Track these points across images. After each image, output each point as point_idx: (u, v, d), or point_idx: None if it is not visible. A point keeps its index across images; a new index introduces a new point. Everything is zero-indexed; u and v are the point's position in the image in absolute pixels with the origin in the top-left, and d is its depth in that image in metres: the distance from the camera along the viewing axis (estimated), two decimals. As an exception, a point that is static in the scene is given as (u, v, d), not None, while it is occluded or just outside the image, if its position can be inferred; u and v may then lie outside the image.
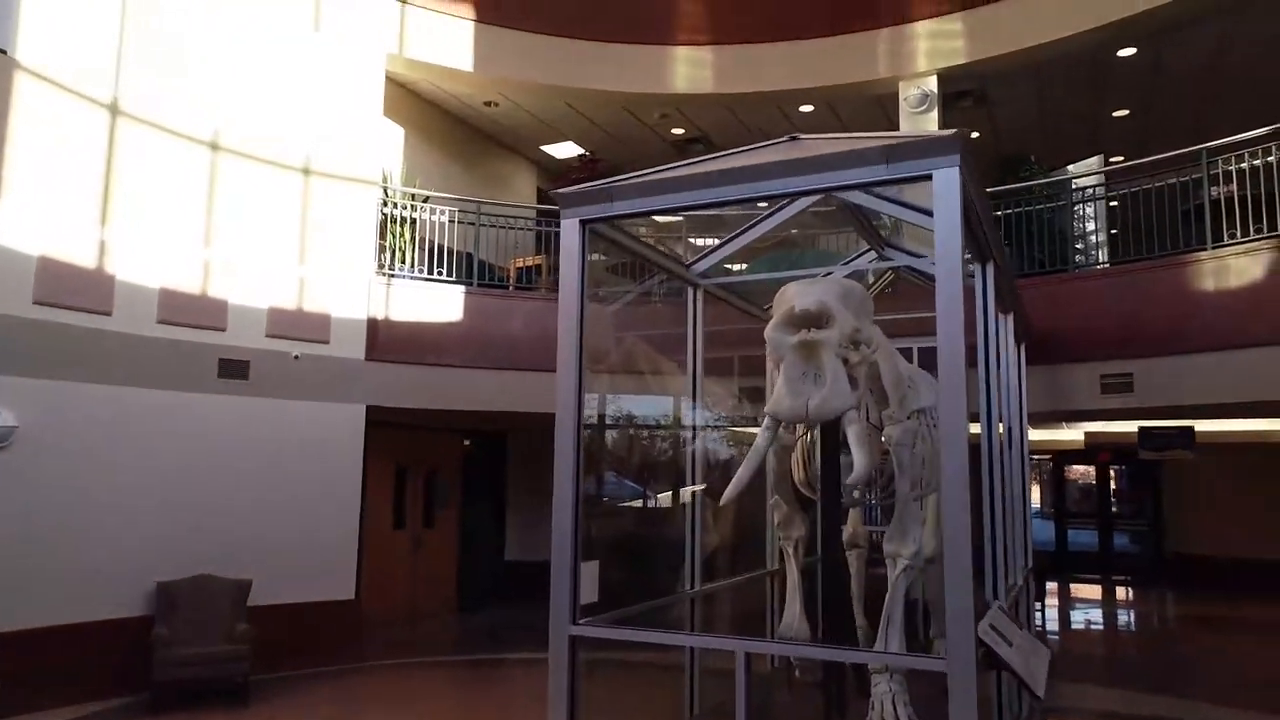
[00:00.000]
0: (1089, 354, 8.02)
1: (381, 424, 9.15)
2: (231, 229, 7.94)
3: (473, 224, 9.68)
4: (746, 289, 6.58)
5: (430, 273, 9.26)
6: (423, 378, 8.93)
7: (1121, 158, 11.13)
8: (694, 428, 5.87)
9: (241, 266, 7.97)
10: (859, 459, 3.82)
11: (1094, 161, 10.24)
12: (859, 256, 7.37)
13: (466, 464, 12.13)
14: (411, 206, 9.42)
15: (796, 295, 4.49)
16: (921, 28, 9.53)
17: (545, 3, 10.17)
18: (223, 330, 7.82)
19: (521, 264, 10.46)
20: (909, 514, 4.55)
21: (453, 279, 9.32)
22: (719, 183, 4.10)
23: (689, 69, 10.25)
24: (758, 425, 4.29)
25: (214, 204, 7.86)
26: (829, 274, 6.00)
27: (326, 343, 8.48)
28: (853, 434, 3.87)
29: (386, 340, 8.83)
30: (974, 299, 5.09)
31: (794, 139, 4.79)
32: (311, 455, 8.28)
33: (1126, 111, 11.15)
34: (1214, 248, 7.48)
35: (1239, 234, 7.38)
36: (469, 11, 9.82)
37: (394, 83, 9.99)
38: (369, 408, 8.69)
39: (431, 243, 9.35)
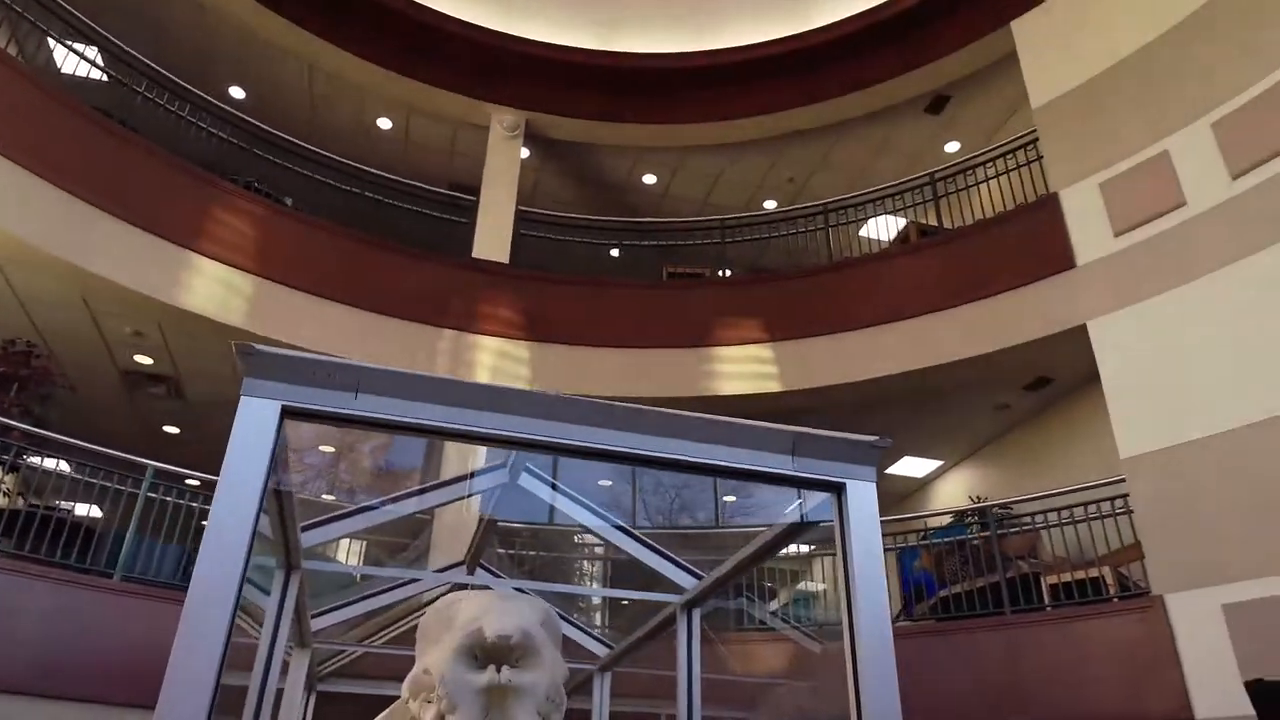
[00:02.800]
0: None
1: None
2: None
3: None
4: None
5: None
6: None
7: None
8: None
9: None
10: None
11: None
12: (451, 568, 5.82)
13: None
14: None
15: (488, 614, 3.00)
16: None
17: (60, 149, 7.39)
18: None
19: None
20: None
21: None
22: (556, 414, 2.64)
23: (216, 289, 8.07)
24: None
25: None
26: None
27: None
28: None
29: None
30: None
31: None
32: None
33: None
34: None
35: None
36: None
37: None
38: None
39: None
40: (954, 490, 10.85)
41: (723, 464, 2.75)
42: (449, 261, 9.57)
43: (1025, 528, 7.78)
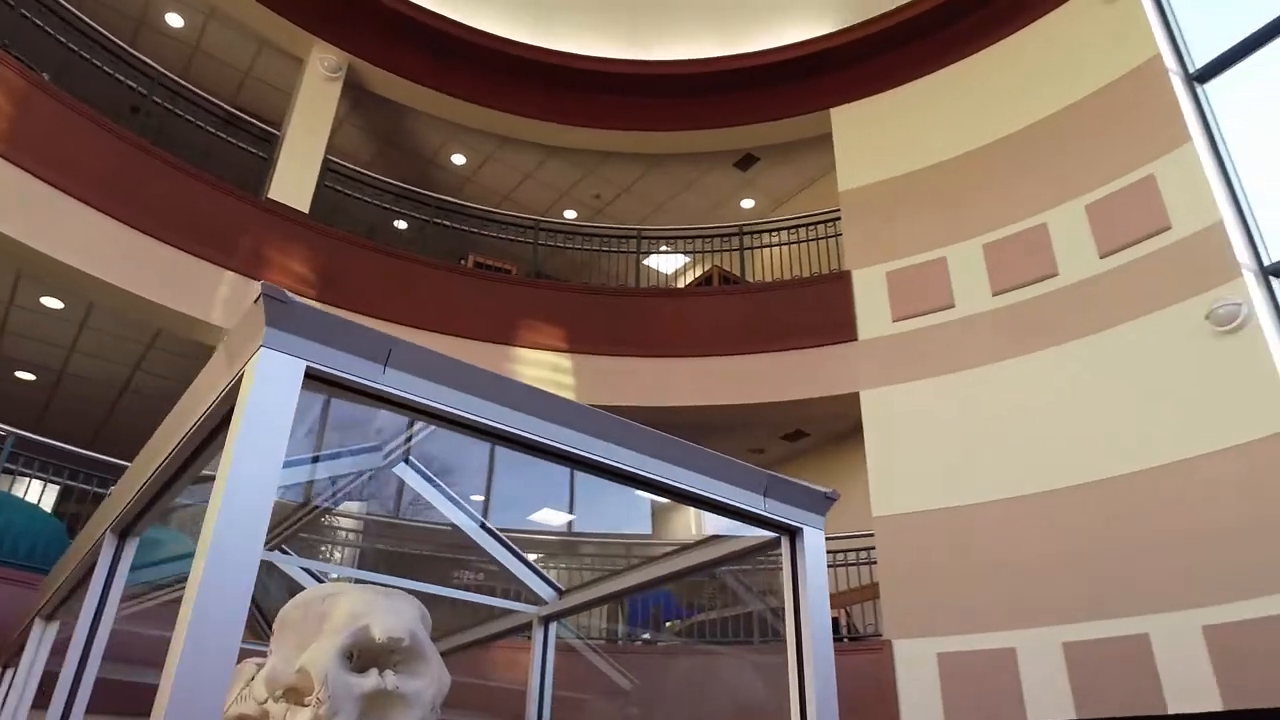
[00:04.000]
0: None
1: None
2: None
3: None
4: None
5: None
6: None
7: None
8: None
9: None
10: None
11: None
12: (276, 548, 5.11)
13: None
14: None
15: (375, 612, 2.88)
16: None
17: None
18: None
19: None
20: None
21: None
22: (601, 432, 2.53)
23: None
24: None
25: None
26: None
27: None
28: None
29: None
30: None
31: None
32: None
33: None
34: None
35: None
36: None
37: None
38: None
39: None
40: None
41: (700, 493, 2.81)
42: (242, 196, 8.53)
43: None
